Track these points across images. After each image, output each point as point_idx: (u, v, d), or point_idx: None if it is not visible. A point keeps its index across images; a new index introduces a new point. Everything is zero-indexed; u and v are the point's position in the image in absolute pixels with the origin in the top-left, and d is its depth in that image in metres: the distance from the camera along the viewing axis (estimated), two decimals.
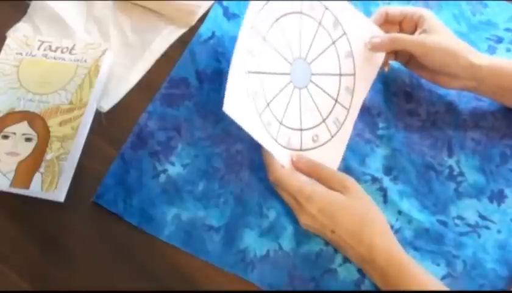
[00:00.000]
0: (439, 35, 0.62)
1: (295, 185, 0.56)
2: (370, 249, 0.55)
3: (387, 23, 0.65)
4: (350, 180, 0.58)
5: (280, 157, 0.58)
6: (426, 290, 0.54)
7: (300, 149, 0.60)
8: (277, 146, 0.58)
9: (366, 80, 0.64)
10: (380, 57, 0.65)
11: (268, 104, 0.58)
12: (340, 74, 0.63)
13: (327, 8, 0.62)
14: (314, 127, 0.61)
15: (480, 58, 0.62)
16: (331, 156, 0.62)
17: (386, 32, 0.65)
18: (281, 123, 0.59)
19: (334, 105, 0.63)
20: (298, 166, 0.59)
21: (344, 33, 0.63)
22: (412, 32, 0.64)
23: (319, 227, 0.58)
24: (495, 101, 0.66)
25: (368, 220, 0.56)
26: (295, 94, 0.61)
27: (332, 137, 0.62)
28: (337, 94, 0.63)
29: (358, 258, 0.57)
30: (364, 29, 0.64)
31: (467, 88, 0.64)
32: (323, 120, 0.62)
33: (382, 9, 0.65)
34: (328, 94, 0.62)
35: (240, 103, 0.56)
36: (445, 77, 0.63)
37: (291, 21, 0.61)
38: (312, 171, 0.58)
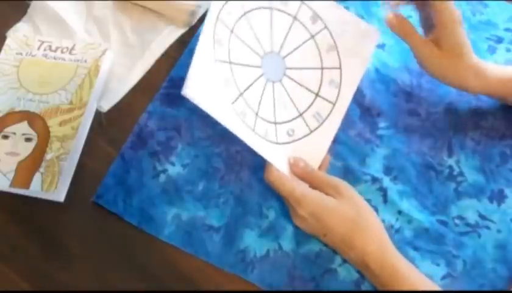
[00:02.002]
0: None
1: (286, 188, 0.57)
2: (363, 255, 0.55)
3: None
4: (343, 185, 0.58)
5: (258, 147, 0.57)
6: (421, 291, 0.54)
7: (277, 143, 0.60)
8: (254, 136, 0.58)
9: (353, 73, 0.63)
10: (369, 49, 0.63)
11: (242, 94, 0.58)
12: (322, 68, 0.62)
13: (303, 3, 0.61)
14: (288, 121, 0.61)
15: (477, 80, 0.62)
16: (311, 151, 0.61)
17: None
18: (257, 114, 0.59)
19: (315, 99, 0.62)
20: (295, 170, 0.59)
21: (325, 27, 0.62)
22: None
23: (311, 230, 0.58)
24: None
25: (360, 226, 0.56)
26: (269, 87, 0.60)
27: (312, 131, 0.62)
28: (319, 88, 0.62)
29: (351, 261, 0.58)
30: (349, 24, 0.62)
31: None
32: (300, 114, 0.61)
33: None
34: (306, 88, 0.62)
35: (205, 89, 0.55)
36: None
37: (260, 16, 0.60)
38: (308, 177, 0.59)
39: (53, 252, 0.61)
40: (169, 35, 0.73)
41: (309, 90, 0.62)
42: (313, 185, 0.58)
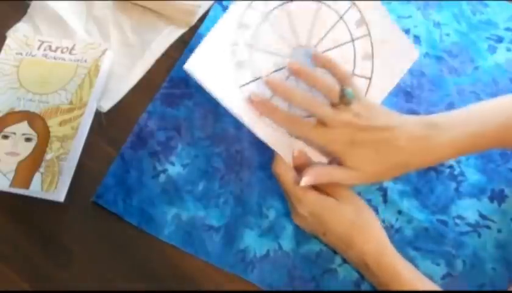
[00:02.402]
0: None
1: (289, 185, 0.56)
2: (361, 254, 0.55)
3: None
4: (342, 185, 0.57)
5: (262, 133, 0.57)
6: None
7: (287, 133, 0.59)
8: (260, 122, 0.57)
9: (382, 86, 0.62)
10: (404, 67, 0.62)
11: (256, 79, 0.57)
12: (353, 74, 0.61)
13: (353, 4, 0.60)
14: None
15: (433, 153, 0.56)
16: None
17: None
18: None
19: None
20: (297, 163, 0.58)
21: (368, 34, 0.60)
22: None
23: (310, 228, 0.58)
24: None
25: (358, 225, 0.55)
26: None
27: None
28: (354, 67, 0.60)
29: (350, 261, 0.58)
30: (392, 35, 0.61)
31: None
32: None
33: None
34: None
35: (211, 67, 0.55)
36: None
37: (303, 8, 0.59)
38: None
39: (53, 252, 0.61)
40: (169, 35, 0.73)
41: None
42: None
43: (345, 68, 0.59)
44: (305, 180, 0.55)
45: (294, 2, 0.58)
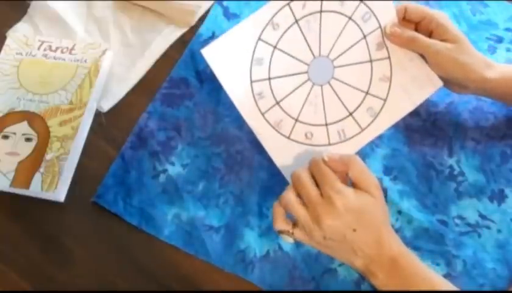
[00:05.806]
0: (455, 46, 0.60)
1: (330, 175, 0.54)
2: (390, 254, 0.53)
3: (403, 20, 0.63)
4: (377, 183, 0.55)
5: (260, 131, 0.60)
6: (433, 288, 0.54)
7: (288, 137, 0.60)
8: (262, 120, 0.60)
9: (395, 111, 0.61)
10: (423, 95, 0.61)
11: (270, 79, 0.60)
12: (367, 92, 0.61)
13: (361, 2, 0.60)
14: (310, 124, 0.60)
15: (492, 70, 0.60)
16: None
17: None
18: (278, 103, 0.60)
19: (347, 117, 0.61)
20: (331, 164, 0.55)
21: (388, 58, 0.61)
22: (428, 34, 0.62)
23: (341, 227, 0.53)
24: (501, 102, 0.66)
25: (385, 220, 0.55)
26: (315, 91, 0.60)
27: (330, 144, 0.60)
28: (356, 109, 0.61)
29: (365, 259, 0.54)
30: (414, 63, 0.61)
31: (475, 95, 0.65)
32: (326, 124, 0.61)
33: (402, 6, 0.62)
34: (342, 103, 0.61)
35: (227, 58, 0.59)
36: (453, 85, 0.63)
37: (337, 21, 0.60)
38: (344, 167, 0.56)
39: (53, 252, 0.61)
40: (169, 35, 0.73)
41: (345, 107, 0.61)
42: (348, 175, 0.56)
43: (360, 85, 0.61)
44: None
45: (328, 14, 0.60)
